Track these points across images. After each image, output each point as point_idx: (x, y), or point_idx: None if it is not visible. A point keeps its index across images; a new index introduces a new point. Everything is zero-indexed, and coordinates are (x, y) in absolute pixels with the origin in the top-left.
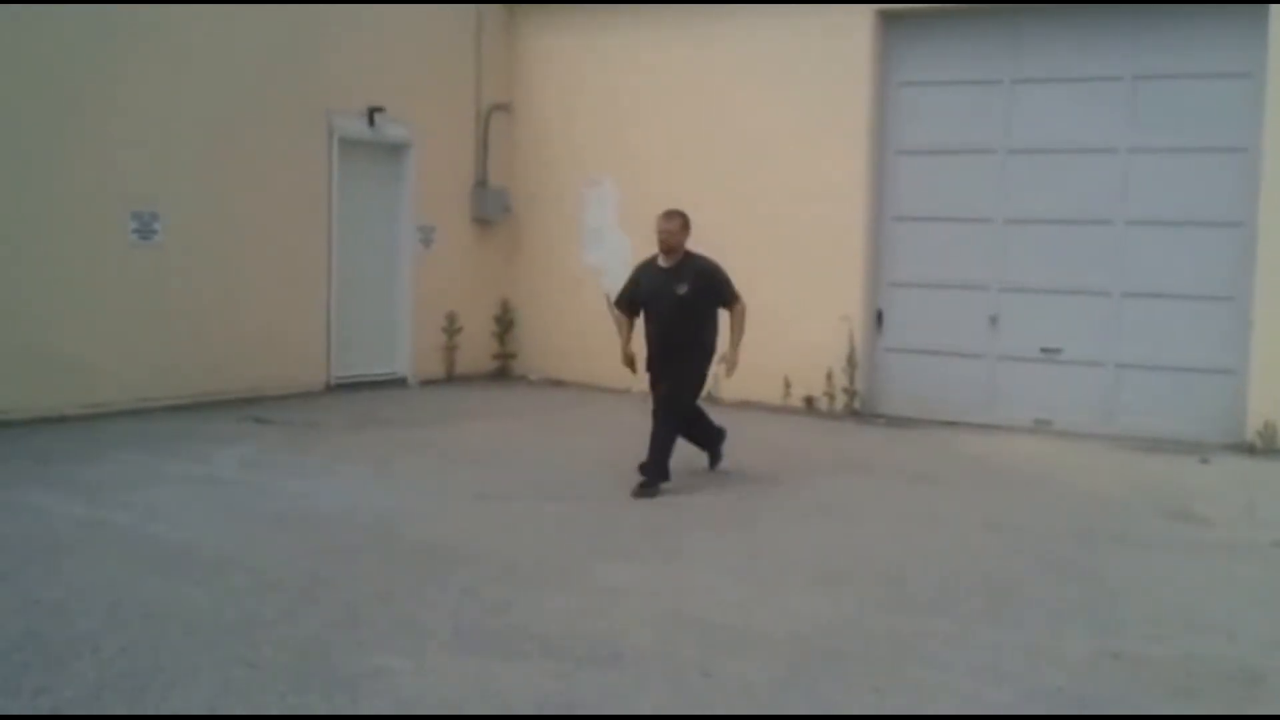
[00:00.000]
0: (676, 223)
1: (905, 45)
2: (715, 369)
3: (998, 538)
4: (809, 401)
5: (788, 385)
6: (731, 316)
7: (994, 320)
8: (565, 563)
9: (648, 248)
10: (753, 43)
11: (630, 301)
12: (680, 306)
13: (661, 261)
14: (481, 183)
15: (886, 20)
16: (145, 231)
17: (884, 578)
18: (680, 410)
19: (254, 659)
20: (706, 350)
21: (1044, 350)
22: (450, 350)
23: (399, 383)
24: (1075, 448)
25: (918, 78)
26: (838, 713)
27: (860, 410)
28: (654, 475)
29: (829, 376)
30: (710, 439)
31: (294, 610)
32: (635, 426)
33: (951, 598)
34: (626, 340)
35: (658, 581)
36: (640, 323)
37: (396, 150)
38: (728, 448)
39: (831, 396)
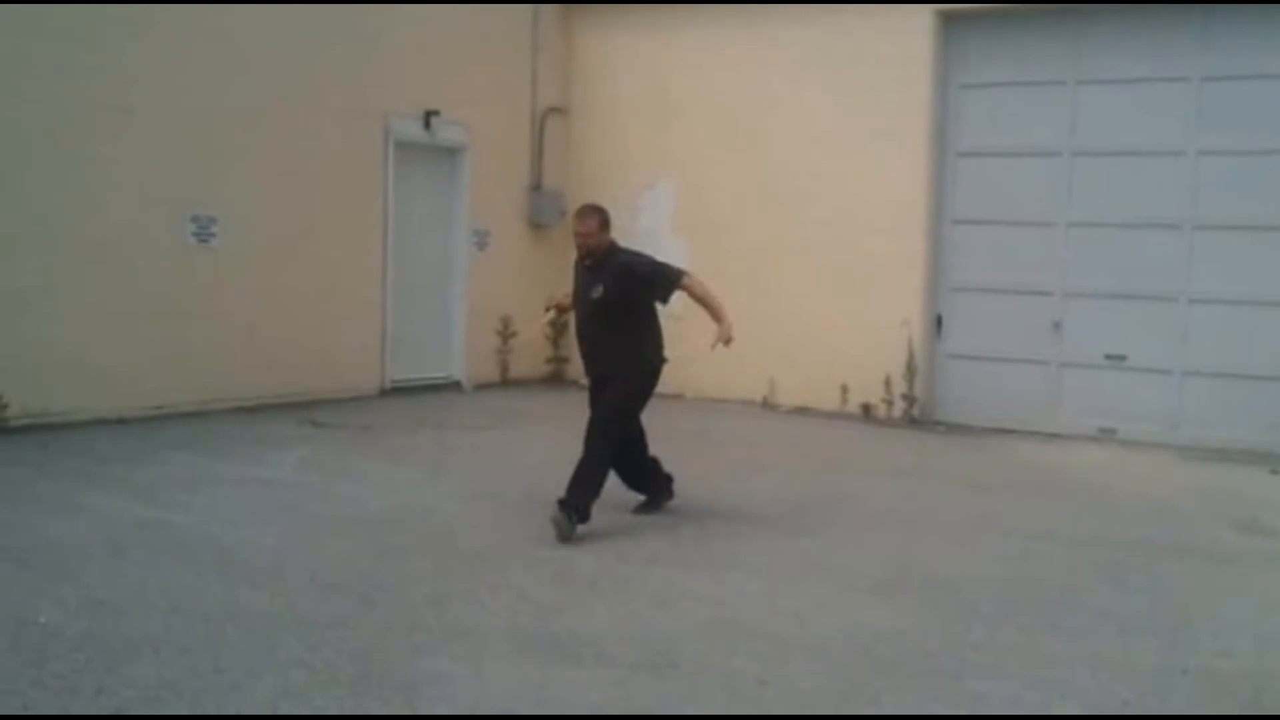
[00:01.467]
0: (593, 223)
1: (966, 46)
2: (714, 345)
3: (1060, 548)
4: (866, 408)
5: (845, 392)
6: (691, 295)
7: (1057, 326)
8: (620, 568)
9: (704, 251)
10: (810, 43)
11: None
12: (596, 312)
13: (587, 262)
14: (536, 186)
15: (946, 21)
16: (203, 234)
17: (943, 587)
18: (608, 435)
19: (312, 662)
20: (643, 364)
21: (1108, 357)
22: (504, 354)
23: (453, 387)
24: (1140, 457)
25: (979, 79)
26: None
27: (919, 417)
28: (570, 512)
29: (887, 383)
30: (647, 480)
31: (351, 613)
32: (685, 431)
33: (1012, 608)
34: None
35: (713, 588)
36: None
37: (452, 153)
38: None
39: (889, 403)
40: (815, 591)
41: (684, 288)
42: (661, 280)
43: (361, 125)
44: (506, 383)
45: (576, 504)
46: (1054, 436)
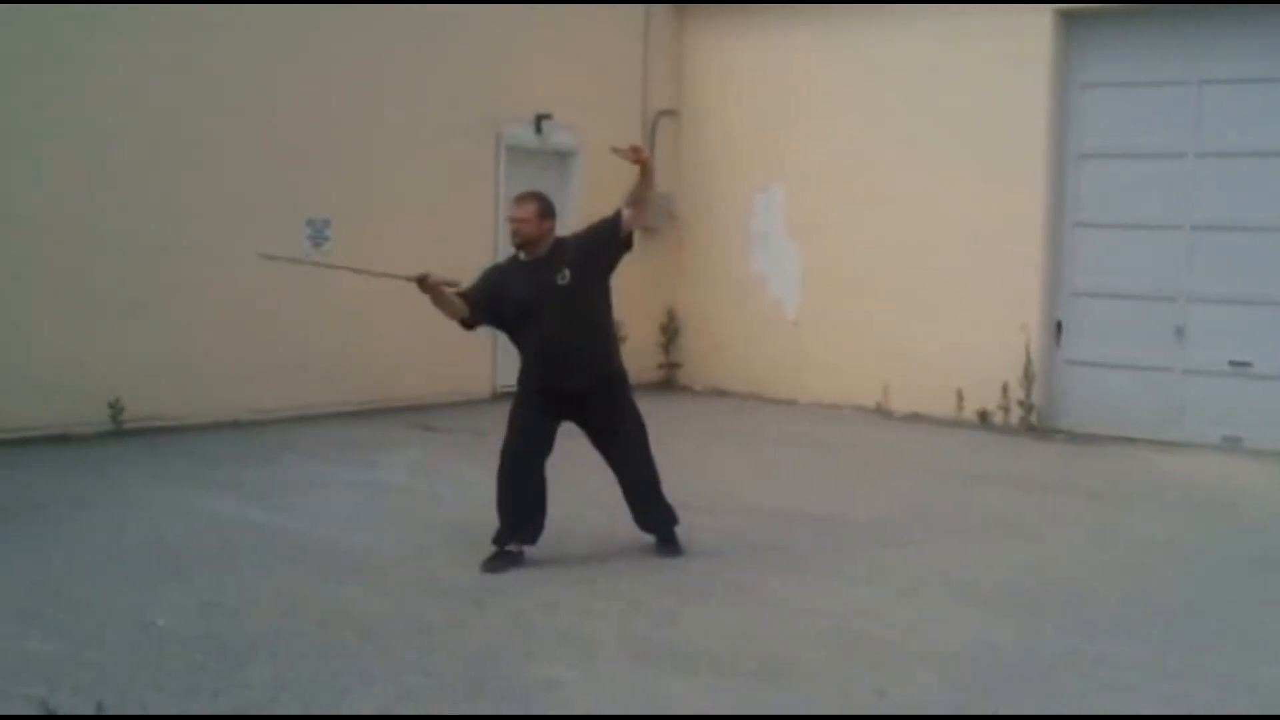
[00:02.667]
0: (530, 209)
1: (1087, 46)
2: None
3: (1183, 560)
4: (983, 415)
5: (961, 398)
6: (636, 214)
7: (1180, 332)
8: (733, 575)
9: (816, 255)
10: (926, 44)
11: (477, 300)
12: (568, 299)
13: (525, 258)
14: None
15: (1067, 20)
16: (318, 238)
17: (1063, 599)
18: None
19: (426, 666)
20: (621, 364)
21: (1233, 364)
22: None
23: None
24: (1266, 467)
25: (1100, 79)
26: None
27: (1037, 425)
28: (669, 520)
29: (1004, 389)
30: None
31: (464, 617)
32: (798, 437)
33: (1134, 621)
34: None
35: (827, 597)
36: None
37: (563, 158)
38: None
39: (1007, 410)
40: (931, 602)
41: (628, 220)
42: (608, 227)
43: (473, 129)
44: None
45: (674, 518)
46: (1176, 445)
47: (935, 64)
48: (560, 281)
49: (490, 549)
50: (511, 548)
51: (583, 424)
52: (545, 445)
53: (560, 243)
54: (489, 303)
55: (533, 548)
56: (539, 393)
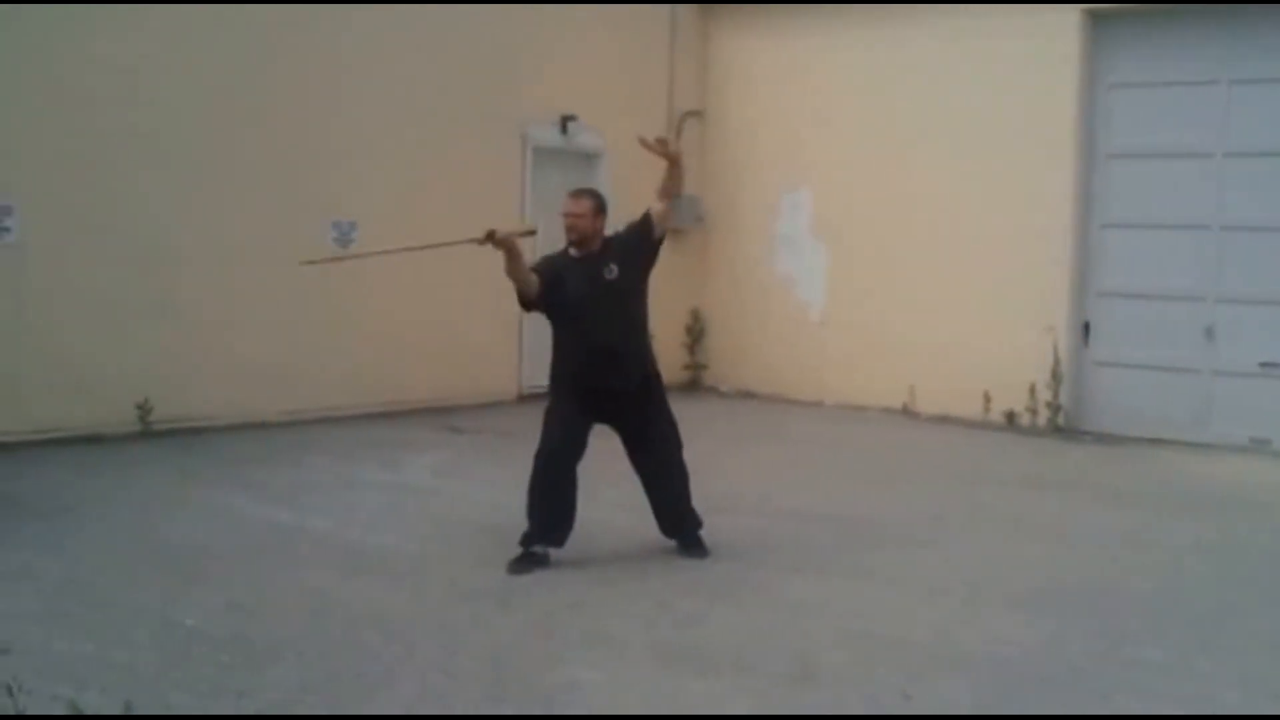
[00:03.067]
0: (586, 204)
1: (1115, 45)
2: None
3: (1211, 563)
4: (1010, 417)
5: (987, 400)
6: (665, 207)
7: (1209, 332)
8: (757, 577)
9: (843, 256)
10: (952, 44)
11: (542, 284)
12: (616, 297)
13: (575, 253)
14: None
15: (1095, 20)
16: (344, 240)
17: (1089, 601)
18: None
19: (451, 667)
20: (658, 369)
21: (1263, 365)
22: None
23: None
24: None
25: (1129, 79)
26: None
27: (1064, 426)
28: (695, 526)
29: (1032, 391)
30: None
31: (489, 618)
32: (824, 439)
33: (1161, 624)
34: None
35: (852, 599)
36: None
37: (589, 158)
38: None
39: (1034, 412)
40: (957, 604)
41: (658, 216)
42: (642, 227)
43: (499, 130)
44: None
45: (699, 523)
46: (1205, 447)
47: (961, 64)
48: (609, 276)
49: (517, 550)
50: (538, 549)
51: (619, 425)
52: (581, 446)
53: (608, 241)
54: (547, 290)
55: (558, 550)
56: (580, 391)
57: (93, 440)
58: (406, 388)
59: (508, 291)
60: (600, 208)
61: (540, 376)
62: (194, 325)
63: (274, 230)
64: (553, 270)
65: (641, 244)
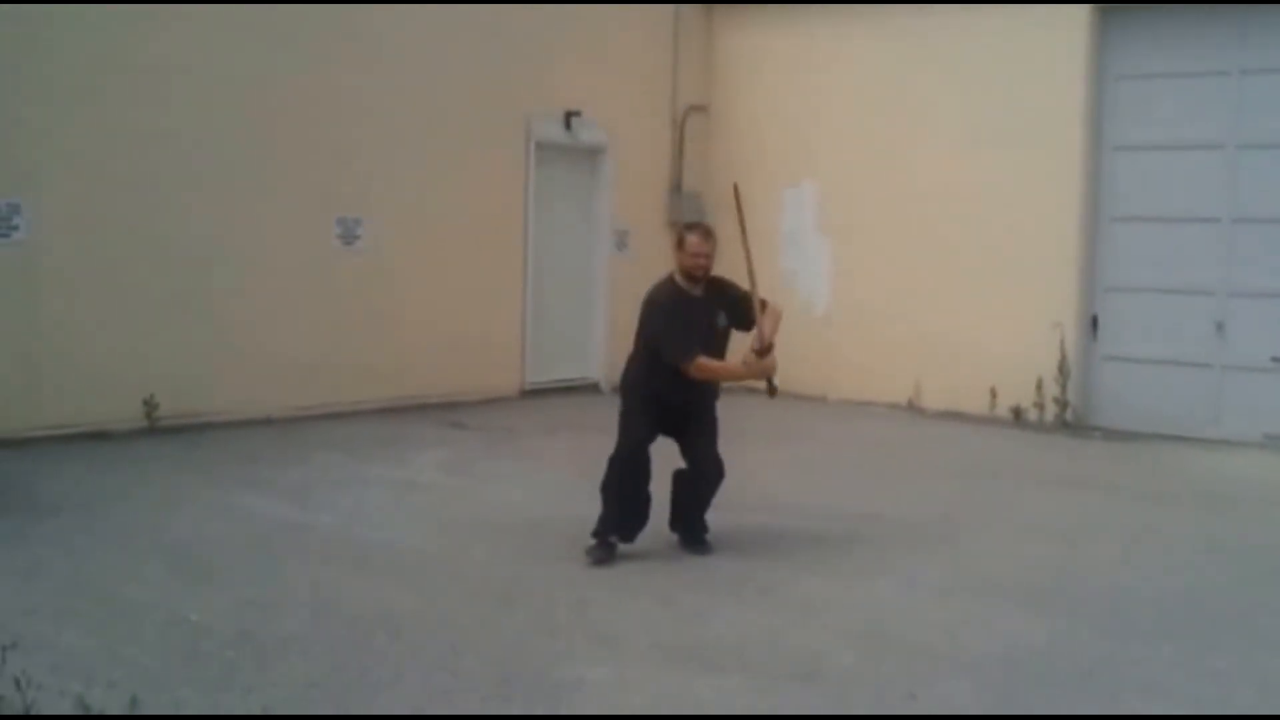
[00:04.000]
0: (713, 245)
1: (1123, 37)
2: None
3: (1223, 560)
4: (1017, 413)
5: (994, 395)
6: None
7: (1220, 327)
8: (764, 575)
9: (848, 251)
10: (957, 37)
11: (691, 339)
12: (718, 341)
13: (690, 289)
14: (676, 186)
15: (1102, 12)
16: (348, 237)
17: (1100, 600)
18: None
19: (456, 665)
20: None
21: (1275, 359)
22: None
23: (592, 388)
24: None
25: (1137, 70)
26: None
27: (1072, 422)
28: (704, 528)
29: (1039, 386)
30: (701, 522)
31: (494, 616)
32: (829, 435)
33: (1174, 622)
34: (740, 365)
35: (860, 597)
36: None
37: (592, 154)
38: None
39: (1041, 407)
40: (965, 603)
41: (758, 333)
42: (748, 310)
43: (503, 126)
44: None
45: (706, 527)
46: (1217, 443)
47: (969, 57)
48: (720, 324)
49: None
50: (612, 539)
51: (680, 432)
52: (650, 448)
53: (716, 283)
54: (689, 336)
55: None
56: (659, 404)
57: (100, 436)
58: (410, 384)
59: (512, 286)
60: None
61: (541, 373)
62: (201, 321)
63: (281, 227)
64: (681, 321)
65: (738, 317)
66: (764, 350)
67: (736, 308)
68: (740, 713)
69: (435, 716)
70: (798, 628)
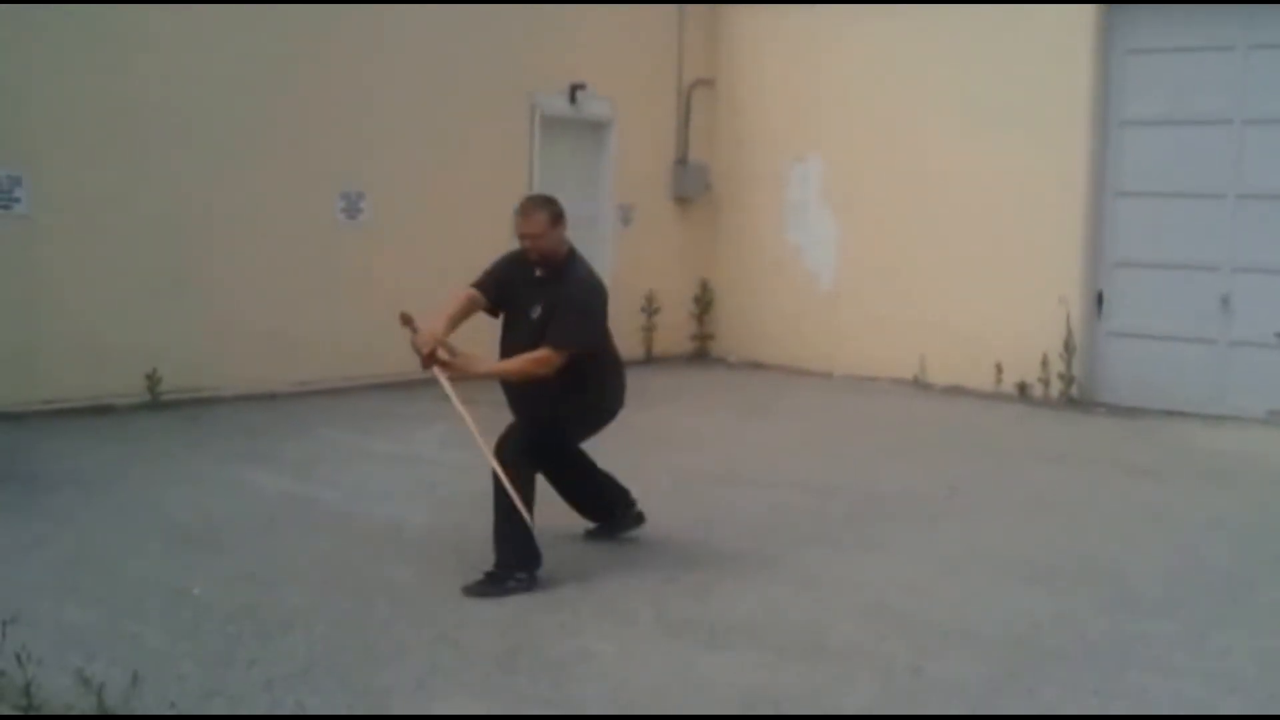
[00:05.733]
0: (540, 220)
1: (1131, 11)
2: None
3: (1228, 537)
4: (1022, 388)
5: (999, 371)
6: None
7: (1225, 302)
8: (768, 550)
9: (854, 225)
10: (964, 11)
11: (487, 288)
12: (531, 334)
13: (536, 270)
14: (681, 160)
15: None
16: (352, 211)
17: (1105, 576)
18: (529, 452)
19: (460, 639)
20: (581, 394)
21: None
22: (648, 331)
23: None
24: None
25: (1144, 45)
26: (1057, 713)
27: (1077, 398)
28: (501, 565)
29: (1044, 362)
30: (599, 499)
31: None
32: (834, 411)
33: (1177, 598)
34: (447, 320)
35: (863, 572)
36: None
37: (597, 128)
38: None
39: (1046, 383)
40: (970, 578)
41: (545, 351)
42: (565, 330)
43: (508, 100)
44: (650, 360)
45: (508, 550)
46: (1222, 419)
47: (974, 31)
48: (533, 316)
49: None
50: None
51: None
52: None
53: (570, 267)
54: (492, 283)
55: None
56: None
57: (102, 411)
58: (413, 358)
59: None
60: (557, 218)
61: None
62: (203, 295)
63: (283, 201)
64: (499, 272)
65: (547, 321)
66: (427, 358)
67: (554, 308)
68: (745, 687)
69: (435, 716)
70: (801, 602)
